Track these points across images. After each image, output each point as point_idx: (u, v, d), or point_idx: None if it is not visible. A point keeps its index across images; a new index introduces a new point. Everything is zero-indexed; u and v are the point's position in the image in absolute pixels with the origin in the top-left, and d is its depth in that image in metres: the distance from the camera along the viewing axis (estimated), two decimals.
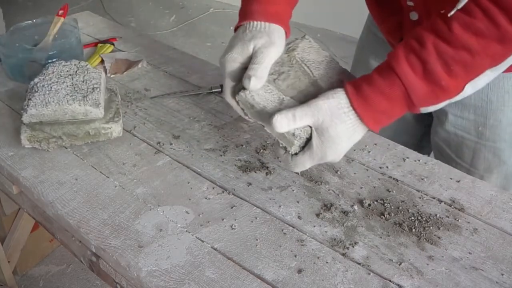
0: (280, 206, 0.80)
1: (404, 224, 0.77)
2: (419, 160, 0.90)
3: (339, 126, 0.69)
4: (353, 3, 3.02)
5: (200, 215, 0.78)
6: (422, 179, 0.86)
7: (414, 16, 0.87)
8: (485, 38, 0.63)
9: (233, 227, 0.76)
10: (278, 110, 0.72)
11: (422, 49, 0.65)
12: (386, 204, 0.80)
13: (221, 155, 0.91)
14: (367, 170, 0.88)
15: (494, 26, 0.63)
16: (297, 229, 0.76)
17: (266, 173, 0.87)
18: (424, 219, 0.78)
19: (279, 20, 0.78)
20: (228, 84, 0.78)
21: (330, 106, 0.69)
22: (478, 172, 0.98)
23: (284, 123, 0.70)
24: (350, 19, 3.13)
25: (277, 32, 0.77)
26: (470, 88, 0.68)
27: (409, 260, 0.71)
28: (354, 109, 0.69)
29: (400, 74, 0.66)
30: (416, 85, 0.66)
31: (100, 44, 1.28)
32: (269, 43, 0.75)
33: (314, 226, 0.76)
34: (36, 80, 0.97)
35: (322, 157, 0.72)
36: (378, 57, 1.05)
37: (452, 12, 0.64)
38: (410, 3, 0.85)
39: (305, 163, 0.73)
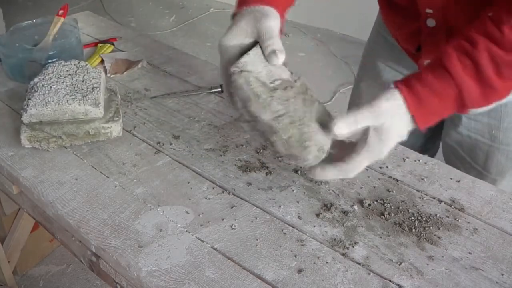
0: (280, 206, 0.80)
1: (404, 224, 0.77)
2: (419, 160, 0.90)
3: (397, 125, 0.70)
4: (353, 3, 3.03)
5: (200, 215, 0.78)
6: (422, 179, 0.86)
7: (431, 23, 0.86)
8: None
9: (233, 227, 0.76)
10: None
11: (474, 50, 0.66)
12: (386, 204, 0.80)
13: (221, 155, 0.91)
14: (367, 170, 0.88)
15: None
16: (297, 229, 0.76)
17: (266, 173, 0.87)
18: (424, 219, 0.78)
19: (273, 4, 0.75)
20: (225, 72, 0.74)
21: (392, 107, 0.69)
22: (490, 175, 0.98)
23: (344, 128, 0.68)
24: (350, 19, 3.13)
25: (271, 13, 0.74)
26: None
27: (409, 260, 0.71)
28: (407, 108, 0.69)
29: (453, 74, 0.67)
30: (469, 86, 0.67)
31: (100, 44, 1.28)
32: (271, 19, 0.72)
33: (314, 226, 0.76)
34: (36, 80, 0.97)
35: (378, 155, 0.71)
36: (386, 60, 1.05)
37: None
38: (429, 10, 0.85)
39: (362, 162, 0.71)
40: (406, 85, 0.70)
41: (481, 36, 0.66)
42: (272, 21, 0.72)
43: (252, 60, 0.69)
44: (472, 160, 0.99)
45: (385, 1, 0.98)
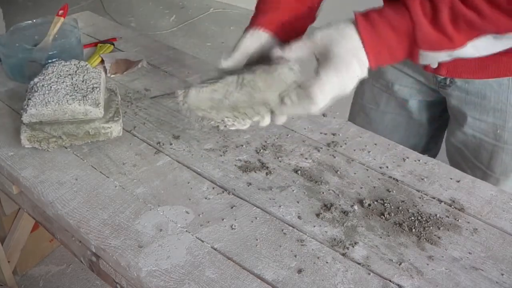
0: (280, 206, 0.80)
1: (404, 224, 0.77)
2: (419, 160, 0.90)
3: (342, 42, 0.70)
4: (353, 3, 3.03)
5: (200, 215, 0.78)
6: (422, 179, 0.86)
7: None
8: (500, 11, 0.65)
9: (233, 227, 0.76)
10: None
11: None
12: (386, 204, 0.80)
13: (221, 155, 0.91)
14: (367, 170, 0.88)
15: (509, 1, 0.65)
16: (297, 229, 0.76)
17: (266, 173, 0.87)
18: (424, 219, 0.78)
19: (269, 27, 0.81)
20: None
21: (328, 32, 0.71)
22: (494, 175, 0.98)
23: (278, 52, 0.72)
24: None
25: (254, 35, 0.80)
26: (471, 48, 0.70)
27: (409, 260, 0.71)
28: (359, 32, 0.70)
29: (411, 10, 0.68)
30: (424, 25, 0.68)
31: (100, 44, 1.28)
32: (247, 39, 0.80)
33: (314, 226, 0.76)
34: (36, 80, 0.97)
35: (337, 79, 0.70)
36: None
37: None
38: None
39: (323, 87, 0.70)
40: (362, 13, 0.71)
41: None
42: (248, 41, 0.79)
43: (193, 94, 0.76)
44: (476, 160, 0.99)
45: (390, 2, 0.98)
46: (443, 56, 0.71)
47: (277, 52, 0.74)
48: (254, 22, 0.82)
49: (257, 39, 0.80)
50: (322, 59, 0.71)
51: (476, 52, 0.71)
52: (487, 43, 0.70)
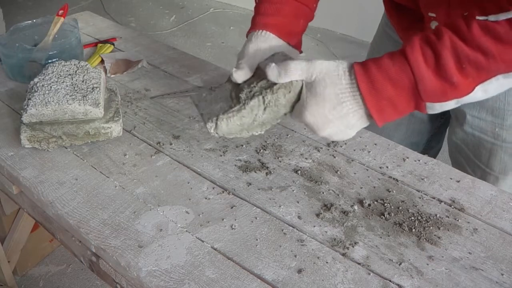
0: (280, 206, 0.80)
1: (404, 224, 0.77)
2: (419, 160, 0.90)
3: (328, 87, 0.68)
4: (353, 3, 3.03)
5: (200, 215, 0.78)
6: (422, 179, 0.86)
7: (435, 25, 0.86)
8: (503, 44, 0.62)
9: (233, 227, 0.76)
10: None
11: (438, 42, 0.64)
12: (386, 204, 0.80)
13: (221, 155, 0.91)
14: (367, 170, 0.88)
15: None
16: (297, 229, 0.76)
17: (266, 173, 0.87)
18: (424, 219, 0.78)
19: (273, 29, 0.81)
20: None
21: (327, 66, 0.69)
22: (493, 173, 0.98)
23: (275, 73, 0.71)
24: (350, 19, 3.13)
25: (262, 37, 0.81)
26: (480, 92, 0.67)
27: (409, 260, 0.71)
28: (358, 88, 0.67)
29: (411, 62, 0.64)
30: (426, 77, 0.64)
31: (100, 44, 1.28)
32: (251, 43, 0.81)
33: (314, 226, 0.76)
34: (36, 80, 0.97)
35: (301, 112, 0.70)
36: None
37: (481, 18, 0.63)
38: (432, 14, 0.85)
39: (301, 117, 0.71)
40: (361, 64, 0.68)
41: (448, 29, 0.65)
42: (254, 45, 0.80)
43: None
44: (476, 158, 1.00)
45: (390, 3, 0.98)
46: (451, 104, 0.67)
47: (273, 71, 0.72)
48: (257, 24, 0.81)
49: (264, 41, 0.80)
50: (307, 87, 0.70)
51: (485, 95, 0.67)
52: (497, 84, 0.66)
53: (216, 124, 0.77)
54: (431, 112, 0.68)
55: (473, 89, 0.66)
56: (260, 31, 0.80)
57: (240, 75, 0.78)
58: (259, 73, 0.78)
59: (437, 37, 0.65)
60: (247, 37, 0.83)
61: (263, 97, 0.74)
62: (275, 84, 0.73)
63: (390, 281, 0.68)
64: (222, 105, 0.79)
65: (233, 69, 0.78)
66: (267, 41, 0.80)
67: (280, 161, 0.89)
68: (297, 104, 0.73)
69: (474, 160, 1.00)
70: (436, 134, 1.13)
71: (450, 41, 0.63)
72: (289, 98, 0.73)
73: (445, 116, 1.08)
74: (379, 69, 0.66)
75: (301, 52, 0.86)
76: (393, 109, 0.68)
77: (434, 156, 1.16)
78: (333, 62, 0.70)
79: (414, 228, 0.76)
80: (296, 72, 0.70)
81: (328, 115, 0.69)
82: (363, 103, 0.68)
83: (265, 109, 0.75)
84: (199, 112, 0.82)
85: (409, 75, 0.65)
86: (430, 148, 1.14)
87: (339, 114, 0.69)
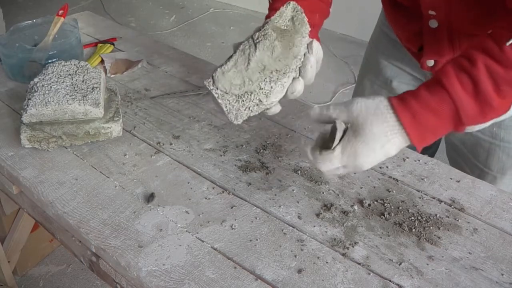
0: (280, 206, 0.80)
1: (404, 224, 0.77)
2: (419, 160, 0.90)
3: (375, 125, 0.68)
4: (353, 3, 3.03)
5: (200, 215, 0.78)
6: (422, 179, 0.86)
7: (434, 24, 0.86)
8: None
9: (233, 227, 0.76)
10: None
11: (473, 67, 0.65)
12: (386, 204, 0.80)
13: (221, 155, 0.91)
14: (367, 170, 0.88)
15: None
16: (297, 229, 0.76)
17: (266, 173, 0.87)
18: (424, 219, 0.78)
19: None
20: None
21: (366, 104, 0.68)
22: (491, 173, 0.98)
23: (317, 112, 0.71)
24: (350, 19, 3.13)
25: None
26: None
27: (409, 260, 0.71)
28: (401, 124, 0.67)
29: (450, 91, 0.65)
30: (467, 103, 0.65)
31: (100, 44, 1.28)
32: None
33: (314, 226, 0.76)
34: (36, 80, 0.97)
35: (351, 154, 0.69)
36: (389, 57, 1.05)
37: (510, 42, 0.63)
38: (432, 12, 0.85)
39: (334, 160, 0.70)
40: (398, 98, 0.68)
41: (480, 53, 0.65)
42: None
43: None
44: (474, 158, 1.00)
45: (389, 1, 0.98)
46: (489, 123, 0.69)
47: (314, 110, 0.72)
48: (276, 8, 0.80)
49: None
50: (352, 128, 0.69)
51: None
52: None
53: (212, 77, 0.74)
54: (468, 131, 0.70)
55: (509, 108, 0.67)
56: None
57: None
58: None
59: (470, 62, 0.65)
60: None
61: (251, 36, 0.73)
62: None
63: (390, 281, 0.68)
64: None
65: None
66: None
67: (280, 161, 0.89)
68: (340, 145, 0.70)
69: (472, 160, 1.00)
70: None
71: (484, 65, 0.64)
72: (279, 29, 0.72)
73: None
74: (418, 102, 0.67)
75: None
76: (433, 136, 0.69)
77: (431, 156, 1.16)
78: (372, 100, 0.69)
79: (414, 228, 0.76)
80: (337, 110, 0.70)
81: (377, 152, 0.69)
82: (408, 137, 0.68)
83: (255, 45, 0.72)
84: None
85: (450, 104, 0.66)
86: (427, 147, 1.14)
87: (386, 151, 0.69)
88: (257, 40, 0.73)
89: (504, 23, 0.66)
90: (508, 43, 0.63)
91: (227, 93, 0.74)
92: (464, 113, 0.66)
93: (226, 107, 0.75)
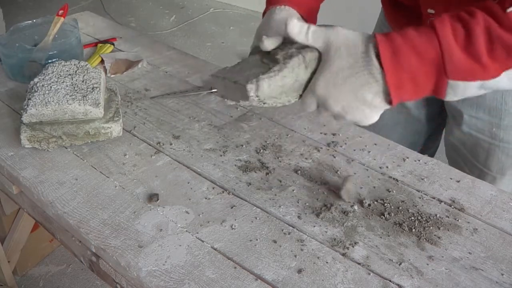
0: (280, 206, 0.80)
1: (404, 224, 0.77)
2: (419, 160, 0.90)
3: (343, 57, 0.64)
4: (353, 3, 3.03)
5: (200, 215, 0.78)
6: (422, 179, 0.86)
7: None
8: None
9: (233, 227, 0.76)
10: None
11: (471, 19, 0.60)
12: (386, 204, 0.80)
13: (221, 155, 0.91)
14: (367, 170, 0.88)
15: None
16: (297, 229, 0.76)
17: (266, 173, 0.87)
18: (424, 219, 0.78)
19: (295, 6, 0.81)
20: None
21: (346, 35, 0.65)
22: (491, 173, 0.98)
23: (296, 29, 0.67)
24: (350, 19, 3.13)
25: (286, 11, 0.80)
26: (506, 79, 0.63)
27: (409, 260, 0.71)
28: (378, 59, 0.63)
29: (440, 34, 0.60)
30: (454, 51, 0.60)
31: (100, 44, 1.28)
32: (274, 15, 0.80)
33: (314, 226, 0.76)
34: (36, 80, 0.97)
35: (313, 83, 0.67)
36: None
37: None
38: (431, 11, 0.85)
39: (313, 87, 0.68)
40: (384, 34, 0.64)
41: (482, 10, 0.61)
42: (276, 16, 0.79)
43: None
44: (473, 158, 1.00)
45: (388, 1, 0.98)
46: (474, 87, 0.63)
47: (294, 26, 0.67)
48: (278, 1, 0.80)
49: (289, 15, 0.78)
50: (323, 59, 0.67)
51: (510, 84, 0.65)
52: None
53: (257, 85, 0.71)
54: (450, 96, 0.64)
55: (499, 74, 0.63)
56: (283, 6, 0.79)
57: (272, 42, 0.73)
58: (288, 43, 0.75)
59: (469, 15, 0.62)
60: (263, 15, 0.83)
61: (302, 56, 0.70)
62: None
63: (390, 281, 0.68)
64: (257, 70, 0.74)
65: (263, 37, 0.74)
66: (292, 15, 0.79)
67: (280, 161, 0.89)
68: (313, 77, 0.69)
69: (471, 160, 1.00)
70: (433, 134, 1.13)
71: (483, 19, 0.60)
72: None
73: (442, 116, 1.08)
74: (404, 39, 0.62)
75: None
76: (412, 85, 0.63)
77: (431, 156, 1.16)
78: (353, 32, 0.65)
79: (414, 228, 0.76)
80: (316, 35, 0.67)
81: (340, 86, 0.65)
82: (381, 76, 0.63)
83: (306, 67, 0.70)
84: (230, 81, 0.75)
85: (436, 47, 0.61)
86: (427, 148, 1.14)
87: (351, 86, 0.64)
88: (308, 63, 0.71)
89: None
90: (510, 9, 0.60)
91: (260, 100, 0.73)
92: (449, 61, 0.61)
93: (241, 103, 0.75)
